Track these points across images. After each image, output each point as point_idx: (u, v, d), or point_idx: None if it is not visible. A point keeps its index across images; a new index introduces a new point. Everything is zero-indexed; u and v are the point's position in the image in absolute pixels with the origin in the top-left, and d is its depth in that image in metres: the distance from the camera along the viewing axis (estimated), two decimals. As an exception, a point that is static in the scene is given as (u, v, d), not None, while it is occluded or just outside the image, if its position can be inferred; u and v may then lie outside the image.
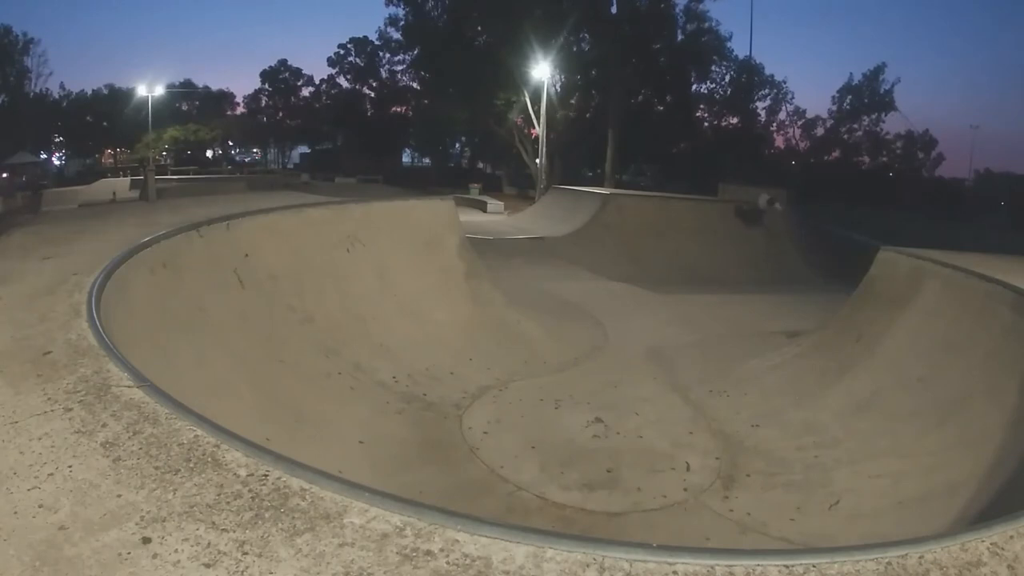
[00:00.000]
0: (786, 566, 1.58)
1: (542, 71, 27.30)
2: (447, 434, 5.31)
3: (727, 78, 39.78)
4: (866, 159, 41.01)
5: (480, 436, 5.29)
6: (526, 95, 29.35)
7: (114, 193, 20.70)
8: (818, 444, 5.26)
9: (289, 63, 52.79)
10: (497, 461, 4.87)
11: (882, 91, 38.28)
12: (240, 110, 54.21)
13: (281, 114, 53.17)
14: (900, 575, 1.58)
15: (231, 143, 57.03)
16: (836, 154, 41.26)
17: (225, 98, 54.22)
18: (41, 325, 3.02)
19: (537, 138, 29.09)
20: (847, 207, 29.36)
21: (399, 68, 46.27)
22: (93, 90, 50.01)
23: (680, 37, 34.45)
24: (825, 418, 5.65)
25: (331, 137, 52.99)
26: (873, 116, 39.29)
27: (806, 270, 15.28)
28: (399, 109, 48.92)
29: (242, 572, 1.47)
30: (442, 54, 31.36)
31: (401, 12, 36.35)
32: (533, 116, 29.42)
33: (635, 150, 36.06)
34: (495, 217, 22.56)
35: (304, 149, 55.46)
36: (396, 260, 7.43)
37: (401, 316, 6.91)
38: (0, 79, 40.62)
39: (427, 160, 54.99)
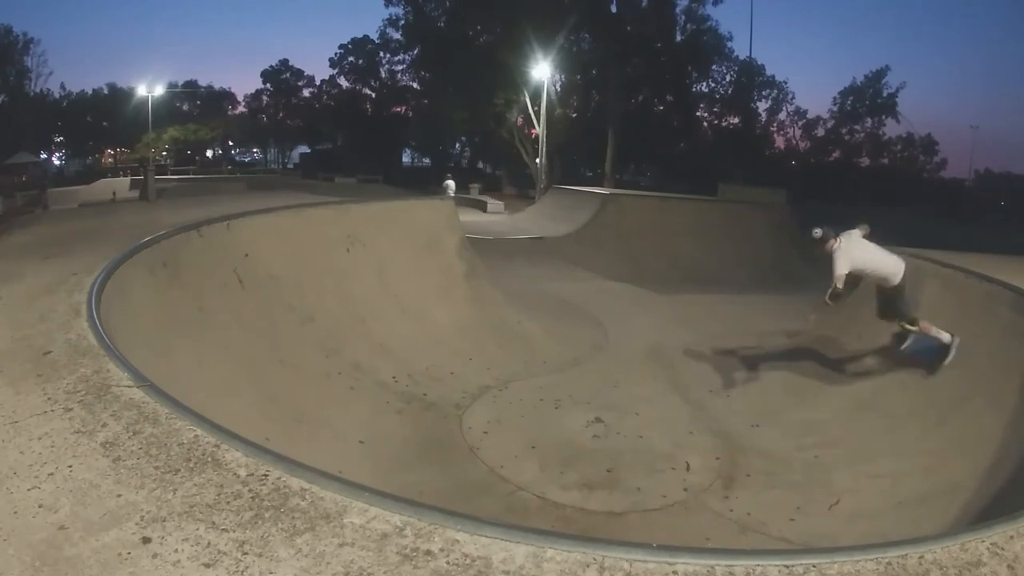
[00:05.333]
0: (786, 566, 1.58)
1: (542, 71, 27.31)
2: (447, 434, 5.31)
3: (727, 78, 39.84)
4: (866, 160, 41.01)
5: (480, 436, 5.28)
6: (526, 95, 29.36)
7: (114, 193, 20.75)
8: (818, 444, 5.26)
9: (291, 63, 52.94)
10: (497, 461, 4.87)
11: (884, 94, 38.22)
12: (241, 110, 54.30)
13: (282, 114, 53.20)
14: (900, 575, 1.59)
15: (231, 143, 57.09)
16: (836, 155, 41.26)
17: (226, 97, 54.26)
18: (41, 325, 3.02)
19: (537, 138, 29.09)
20: (847, 207, 29.35)
21: (399, 68, 46.41)
22: (93, 90, 50.12)
23: (680, 37, 34.47)
24: (825, 418, 5.65)
25: (331, 137, 53.01)
26: (875, 119, 39.24)
27: (806, 270, 15.25)
28: (399, 109, 48.95)
29: (242, 572, 1.47)
30: (442, 54, 31.38)
31: (401, 12, 36.45)
32: (533, 116, 29.42)
33: (635, 150, 36.09)
34: (495, 217, 22.55)
35: (304, 149, 55.50)
36: (396, 260, 7.43)
37: (401, 316, 6.91)
38: (0, 79, 40.62)
39: (427, 160, 55.02)
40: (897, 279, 5.41)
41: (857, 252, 5.37)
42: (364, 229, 7.32)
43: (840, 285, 5.24)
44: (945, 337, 5.26)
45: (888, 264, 5.42)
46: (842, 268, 5.24)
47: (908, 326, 5.42)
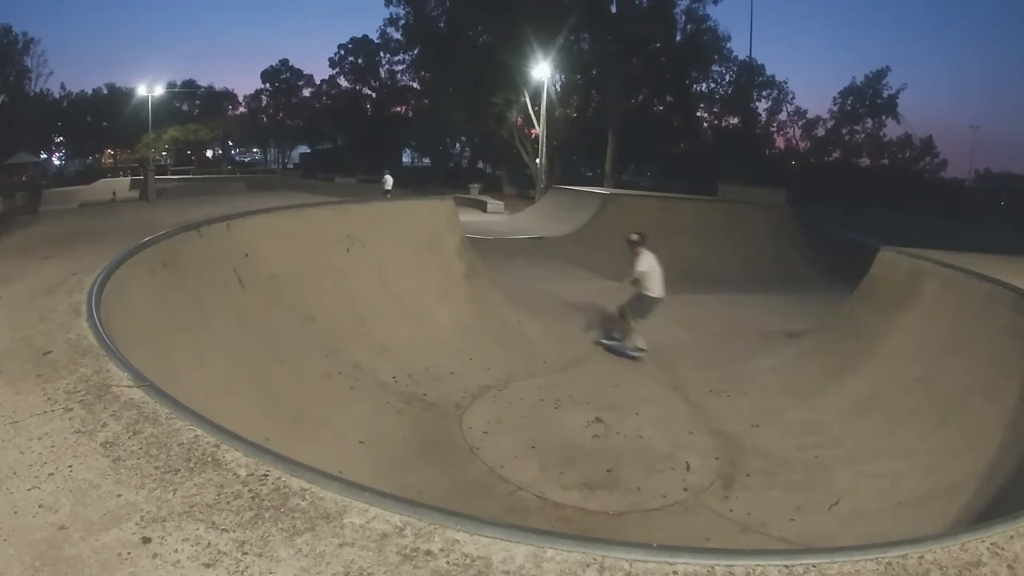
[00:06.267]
0: (786, 566, 1.58)
1: (542, 71, 27.30)
2: (447, 434, 5.31)
3: (727, 78, 39.81)
4: (866, 160, 40.94)
5: (480, 436, 5.29)
6: (526, 95, 29.34)
7: (114, 193, 20.75)
8: (818, 444, 5.26)
9: (290, 63, 52.96)
10: (497, 461, 4.87)
11: (885, 95, 38.14)
12: (241, 110, 54.32)
13: (281, 114, 53.21)
14: (900, 575, 1.58)
15: (231, 143, 57.11)
16: (836, 155, 41.22)
17: (227, 97, 54.27)
18: (41, 325, 3.02)
19: (537, 138, 29.08)
20: (847, 207, 29.37)
21: (399, 68, 46.44)
22: (93, 90, 50.13)
23: (680, 37, 34.45)
24: (825, 418, 5.65)
25: (331, 137, 53.01)
26: (876, 120, 39.14)
27: (806, 270, 15.28)
28: (399, 109, 48.96)
29: (242, 572, 1.47)
30: (442, 54, 31.38)
31: (401, 12, 36.45)
32: (533, 116, 29.42)
33: (635, 150, 36.06)
34: (495, 217, 22.56)
35: (304, 149, 55.52)
36: (396, 260, 7.43)
37: (401, 316, 6.91)
38: (0, 79, 40.61)
39: (427, 160, 55.05)
40: (654, 292, 7.46)
41: (651, 261, 7.50)
42: (364, 229, 7.32)
43: (639, 277, 7.49)
44: (641, 344, 7.54)
45: (657, 279, 7.48)
46: (643, 266, 7.46)
47: (632, 323, 7.55)
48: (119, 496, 1.75)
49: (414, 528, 1.66)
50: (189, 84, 51.05)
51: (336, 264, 6.78)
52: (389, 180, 26.09)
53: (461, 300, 7.75)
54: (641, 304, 7.47)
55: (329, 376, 5.50)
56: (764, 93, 41.64)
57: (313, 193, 11.62)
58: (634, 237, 7.65)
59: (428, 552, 1.57)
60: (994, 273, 5.54)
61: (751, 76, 38.86)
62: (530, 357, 7.17)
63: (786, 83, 42.21)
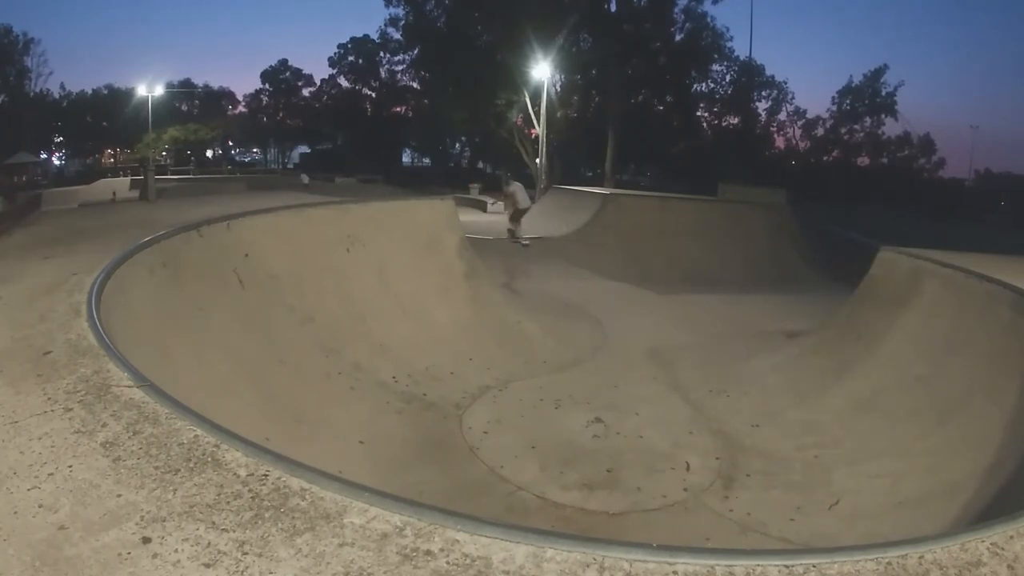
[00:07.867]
0: (786, 566, 1.58)
1: (542, 71, 27.27)
2: (447, 434, 5.31)
3: (727, 78, 39.85)
4: (866, 160, 40.96)
5: (480, 436, 5.28)
6: (526, 95, 29.32)
7: (114, 193, 20.76)
8: (818, 444, 5.26)
9: (290, 63, 52.97)
10: (497, 461, 4.87)
11: (883, 93, 38.16)
12: (241, 110, 54.33)
13: (281, 114, 53.21)
14: (900, 575, 1.59)
15: (231, 143, 57.13)
16: (836, 154, 41.22)
17: (226, 97, 54.27)
18: (41, 325, 3.02)
19: (537, 138, 29.07)
20: (847, 207, 29.39)
21: (399, 68, 46.50)
22: (93, 90, 50.15)
23: (679, 37, 34.46)
24: (825, 418, 5.65)
25: (331, 137, 53.03)
26: (874, 118, 39.15)
27: (806, 270, 15.27)
28: (399, 109, 49.00)
29: (242, 572, 1.47)
30: (442, 54, 31.38)
31: (401, 12, 36.44)
32: (533, 116, 29.39)
33: (635, 150, 36.04)
34: (495, 217, 22.54)
35: (304, 149, 55.53)
36: (396, 260, 7.43)
37: (401, 316, 6.91)
38: (0, 79, 40.61)
39: (427, 160, 55.11)
40: (522, 206, 12.53)
41: (518, 190, 12.51)
42: (364, 229, 7.32)
43: (509, 200, 12.69)
44: (524, 241, 12.63)
45: (526, 199, 12.59)
46: (511, 190, 12.55)
47: (515, 226, 12.62)
48: (119, 496, 1.75)
49: (414, 528, 1.66)
50: (186, 84, 50.98)
51: (336, 264, 6.78)
52: (305, 177, 32.64)
53: (461, 300, 7.75)
54: (517, 213, 12.49)
55: (329, 376, 5.50)
56: (764, 93, 41.77)
57: (313, 193, 11.62)
58: (504, 183, 13.54)
59: (428, 552, 1.57)
60: (994, 273, 5.54)
61: (751, 76, 38.88)
62: (530, 357, 7.17)
63: (786, 83, 42.35)
